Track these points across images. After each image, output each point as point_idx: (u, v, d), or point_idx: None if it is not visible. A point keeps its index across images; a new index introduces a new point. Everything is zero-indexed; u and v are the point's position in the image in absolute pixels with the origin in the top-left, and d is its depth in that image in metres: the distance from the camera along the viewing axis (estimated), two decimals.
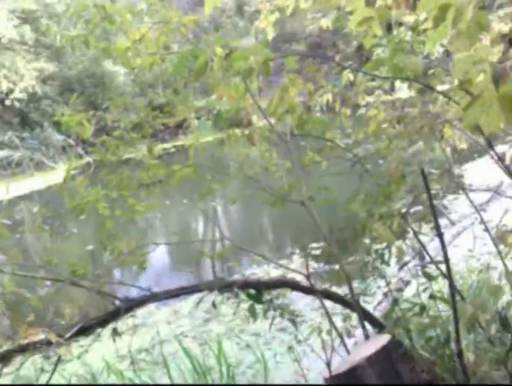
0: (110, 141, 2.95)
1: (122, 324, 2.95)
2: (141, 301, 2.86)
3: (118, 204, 3.07)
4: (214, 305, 2.90)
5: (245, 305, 2.92)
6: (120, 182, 2.88)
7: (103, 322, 2.81)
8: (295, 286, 2.97)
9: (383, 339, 2.31)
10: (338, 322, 3.10)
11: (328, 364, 2.61)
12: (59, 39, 2.88)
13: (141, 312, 5.99)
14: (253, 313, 2.79)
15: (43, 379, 3.12)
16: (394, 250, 2.65)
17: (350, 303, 2.88)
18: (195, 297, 3.11)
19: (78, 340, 4.50)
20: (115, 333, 2.72)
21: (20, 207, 17.59)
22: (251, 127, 2.93)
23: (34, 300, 2.92)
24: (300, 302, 4.75)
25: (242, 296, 2.91)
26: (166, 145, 19.58)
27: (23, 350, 2.69)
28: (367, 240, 2.77)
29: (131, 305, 2.80)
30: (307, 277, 2.88)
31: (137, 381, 4.24)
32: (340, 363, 2.38)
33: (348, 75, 3.17)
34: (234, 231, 10.89)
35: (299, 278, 3.01)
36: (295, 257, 7.58)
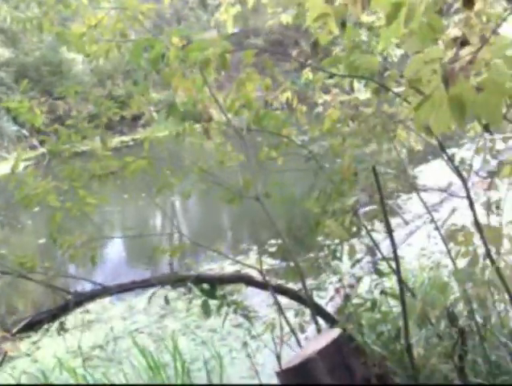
0: (62, 131, 2.85)
1: (76, 320, 2.87)
2: (91, 295, 2.79)
3: (71, 196, 2.99)
4: (167, 300, 2.86)
5: (199, 302, 2.89)
6: (71, 173, 2.79)
7: (52, 316, 2.71)
8: (249, 281, 2.96)
9: (334, 333, 2.34)
10: (292, 317, 3.12)
11: (278, 358, 2.62)
12: (9, 20, 2.76)
13: (95, 308, 5.88)
14: (206, 309, 2.77)
15: None
16: (346, 247, 2.68)
17: (304, 299, 2.90)
18: (150, 292, 3.07)
19: (30, 336, 4.37)
20: (62, 328, 2.64)
21: None
22: (212, 122, 2.90)
23: None
24: (256, 298, 4.76)
25: (197, 292, 2.89)
26: (124, 138, 19.25)
27: None
28: (320, 237, 2.80)
29: (81, 300, 2.73)
30: (261, 271, 2.88)
31: (89, 379, 4.15)
32: (292, 358, 2.39)
33: (307, 74, 3.20)
34: (193, 226, 10.82)
35: (255, 274, 3.00)
36: (251, 254, 7.59)
